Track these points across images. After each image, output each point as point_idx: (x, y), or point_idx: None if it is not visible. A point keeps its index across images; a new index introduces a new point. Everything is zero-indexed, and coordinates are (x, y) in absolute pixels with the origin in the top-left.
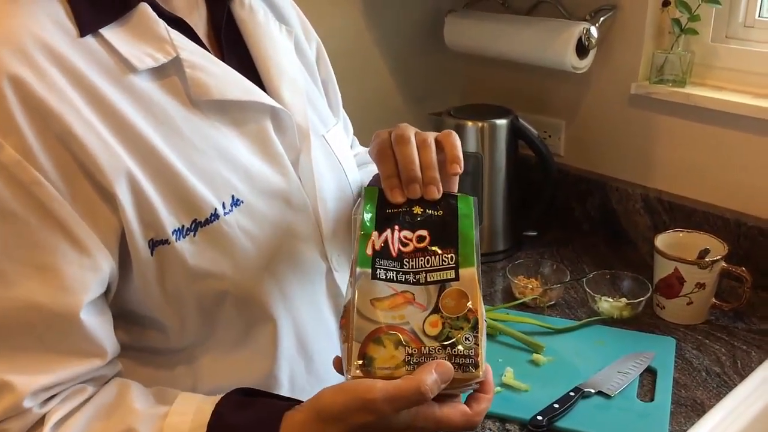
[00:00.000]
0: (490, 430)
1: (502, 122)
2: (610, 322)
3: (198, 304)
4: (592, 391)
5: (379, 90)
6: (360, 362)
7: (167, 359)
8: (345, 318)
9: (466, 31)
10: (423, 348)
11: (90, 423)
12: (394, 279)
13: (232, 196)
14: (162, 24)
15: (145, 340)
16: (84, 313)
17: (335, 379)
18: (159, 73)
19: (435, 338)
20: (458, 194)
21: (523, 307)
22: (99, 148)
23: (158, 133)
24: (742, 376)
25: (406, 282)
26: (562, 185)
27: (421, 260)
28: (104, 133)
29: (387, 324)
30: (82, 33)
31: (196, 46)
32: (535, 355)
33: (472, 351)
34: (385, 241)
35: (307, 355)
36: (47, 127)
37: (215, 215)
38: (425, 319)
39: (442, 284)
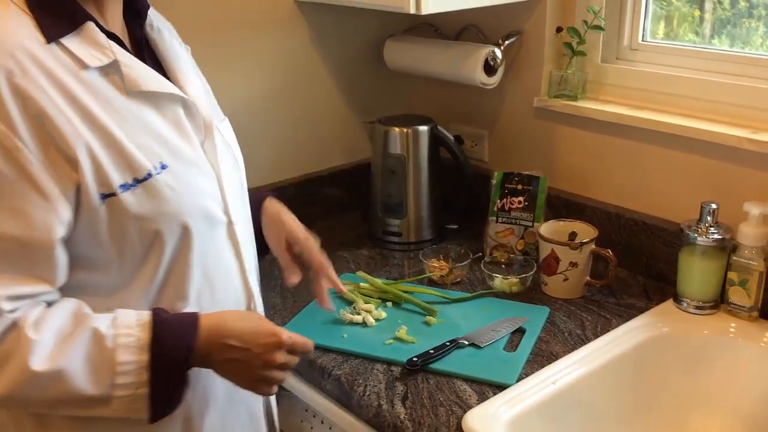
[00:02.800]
0: (378, 370)
1: (423, 129)
2: (502, 295)
3: (136, 239)
4: (466, 342)
5: (328, 104)
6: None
7: (103, 298)
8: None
9: (402, 53)
10: (515, 255)
11: (64, 320)
12: (505, 222)
13: (160, 162)
14: (103, 36)
15: (85, 278)
16: (57, 247)
17: (233, 304)
18: (103, 71)
19: (519, 250)
20: (538, 176)
21: (432, 284)
22: (65, 124)
23: (106, 114)
24: (598, 337)
25: (510, 224)
26: (485, 186)
27: (519, 213)
28: (69, 113)
29: (499, 243)
30: (48, 40)
31: (126, 53)
32: (428, 317)
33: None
34: (503, 204)
35: (210, 283)
36: (27, 108)
37: (150, 174)
38: (516, 242)
39: (526, 228)
